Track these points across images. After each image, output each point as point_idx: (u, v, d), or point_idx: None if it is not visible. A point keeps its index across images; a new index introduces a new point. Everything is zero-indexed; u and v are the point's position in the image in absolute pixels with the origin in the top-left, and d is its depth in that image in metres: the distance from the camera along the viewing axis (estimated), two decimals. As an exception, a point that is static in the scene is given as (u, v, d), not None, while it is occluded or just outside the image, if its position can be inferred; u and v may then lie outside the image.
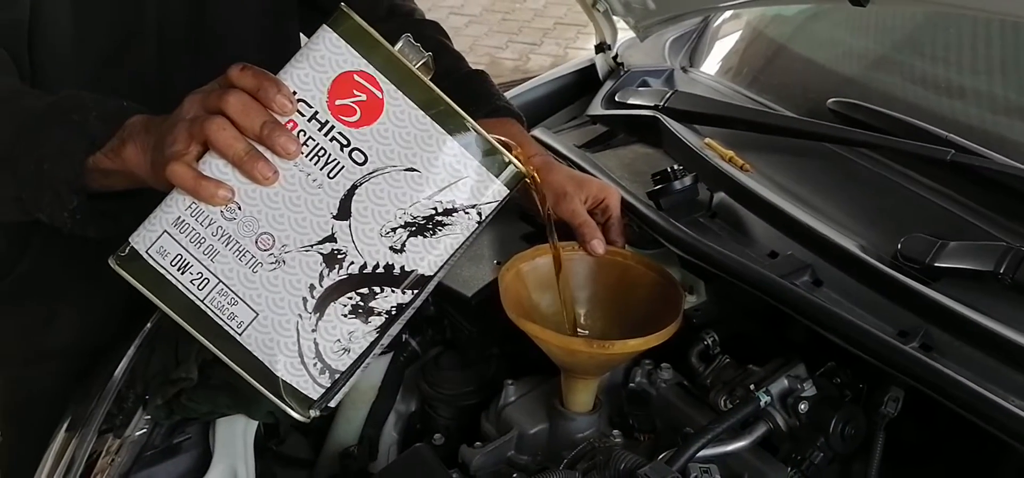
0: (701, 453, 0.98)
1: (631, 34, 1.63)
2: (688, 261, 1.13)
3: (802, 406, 0.98)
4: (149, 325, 1.11)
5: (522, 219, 1.29)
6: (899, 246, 1.00)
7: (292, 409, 0.76)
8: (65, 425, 1.05)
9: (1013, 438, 0.80)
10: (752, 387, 1.01)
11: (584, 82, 1.66)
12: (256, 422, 1.04)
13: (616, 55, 1.61)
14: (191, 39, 1.14)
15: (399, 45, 0.77)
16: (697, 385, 1.11)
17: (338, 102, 0.75)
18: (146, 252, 0.75)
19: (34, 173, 0.83)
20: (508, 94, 1.62)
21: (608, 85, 1.55)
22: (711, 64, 1.59)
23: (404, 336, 1.25)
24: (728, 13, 1.67)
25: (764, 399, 1.00)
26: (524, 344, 1.02)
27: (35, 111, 0.86)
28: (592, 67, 1.66)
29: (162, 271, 0.75)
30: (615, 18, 1.56)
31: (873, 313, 0.97)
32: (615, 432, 1.08)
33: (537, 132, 1.47)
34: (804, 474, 0.97)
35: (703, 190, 1.23)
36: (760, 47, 1.55)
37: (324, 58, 0.75)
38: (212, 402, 1.01)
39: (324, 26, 0.76)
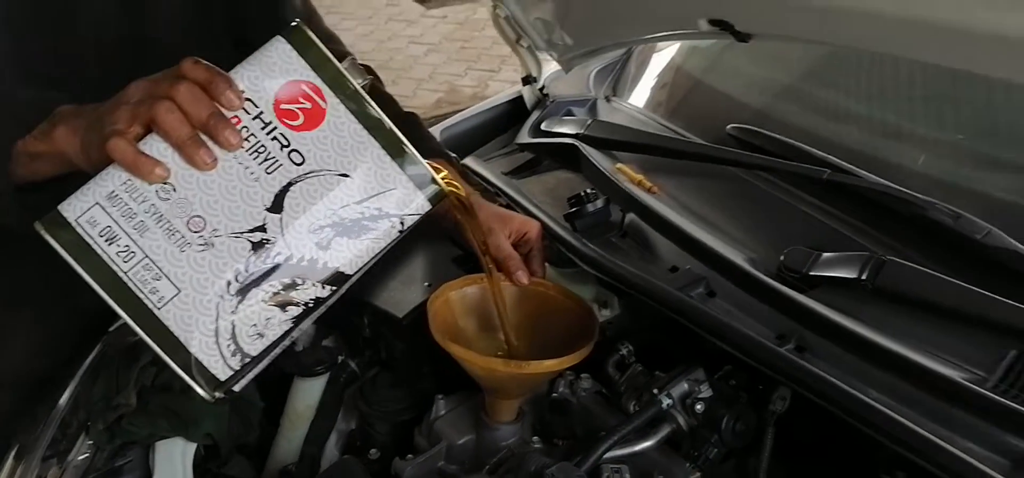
0: (614, 454, 1.07)
1: (558, 66, 1.72)
2: (601, 277, 1.23)
3: (698, 406, 1.07)
4: (94, 353, 1.16)
5: (451, 242, 1.37)
6: (781, 258, 1.10)
7: (199, 386, 0.79)
8: (13, 453, 1.08)
9: (873, 430, 0.89)
10: (656, 391, 1.10)
11: (515, 112, 1.75)
12: (195, 444, 1.10)
13: (543, 86, 1.70)
14: (128, 52, 1.16)
15: (345, 64, 0.84)
16: (614, 393, 1.20)
17: (283, 106, 0.81)
18: (75, 220, 0.77)
19: None
20: (444, 124, 1.72)
21: (535, 115, 1.65)
22: (631, 94, 1.69)
23: (342, 358, 1.32)
24: (645, 46, 1.77)
25: (666, 401, 1.09)
26: (453, 361, 1.09)
27: None
28: (523, 97, 1.75)
29: (88, 240, 0.77)
30: (540, 53, 1.65)
31: (759, 320, 1.06)
32: (535, 439, 1.16)
33: (469, 160, 1.56)
34: (700, 469, 1.05)
35: (616, 212, 1.32)
36: (675, 78, 1.65)
37: (275, 65, 0.81)
38: (151, 425, 1.06)
39: (280, 36, 0.82)
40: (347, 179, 0.82)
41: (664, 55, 1.76)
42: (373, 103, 0.83)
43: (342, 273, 0.83)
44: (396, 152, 0.83)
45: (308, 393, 1.28)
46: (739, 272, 1.09)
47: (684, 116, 1.53)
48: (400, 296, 1.29)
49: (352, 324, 1.34)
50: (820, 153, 1.17)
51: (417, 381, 1.28)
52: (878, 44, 0.99)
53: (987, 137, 1.16)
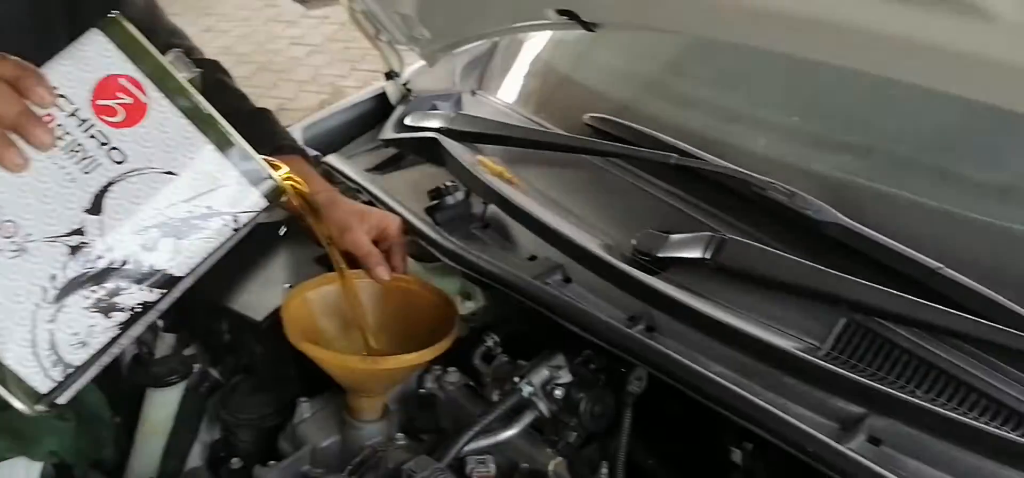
0: (479, 444, 1.07)
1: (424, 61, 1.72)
2: (464, 271, 1.23)
3: (558, 392, 1.08)
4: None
5: (315, 242, 1.35)
6: (633, 242, 1.12)
7: (18, 401, 0.76)
8: None
9: (714, 403, 0.92)
10: (517, 380, 1.11)
11: (382, 108, 1.73)
12: (40, 463, 1.05)
13: (406, 82, 1.69)
14: None
15: (169, 56, 0.80)
16: (480, 384, 1.20)
17: (101, 102, 0.77)
18: None
19: None
20: (307, 121, 1.68)
21: (399, 110, 1.64)
22: (497, 87, 1.70)
23: (199, 366, 1.28)
24: (516, 37, 1.78)
25: (527, 389, 1.10)
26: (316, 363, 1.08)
27: None
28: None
29: None
30: (400, 47, 1.64)
31: (614, 304, 1.09)
32: (399, 436, 1.15)
33: (331, 158, 1.54)
34: (561, 453, 1.07)
35: (478, 204, 1.33)
36: (541, 72, 1.66)
37: (91, 58, 0.77)
38: (-11, 447, 1.02)
39: (94, 28, 0.78)
40: (174, 177, 0.79)
41: (530, 50, 1.78)
42: (200, 96, 0.80)
43: (172, 275, 0.80)
44: (226, 146, 0.80)
45: (163, 404, 1.24)
46: (594, 258, 1.11)
47: (547, 109, 1.55)
48: (259, 299, 1.26)
49: (211, 330, 1.31)
50: (669, 139, 1.21)
51: (281, 385, 1.26)
52: (717, 31, 1.02)
53: (819, 119, 1.22)
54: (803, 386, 0.90)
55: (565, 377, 1.11)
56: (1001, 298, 0.93)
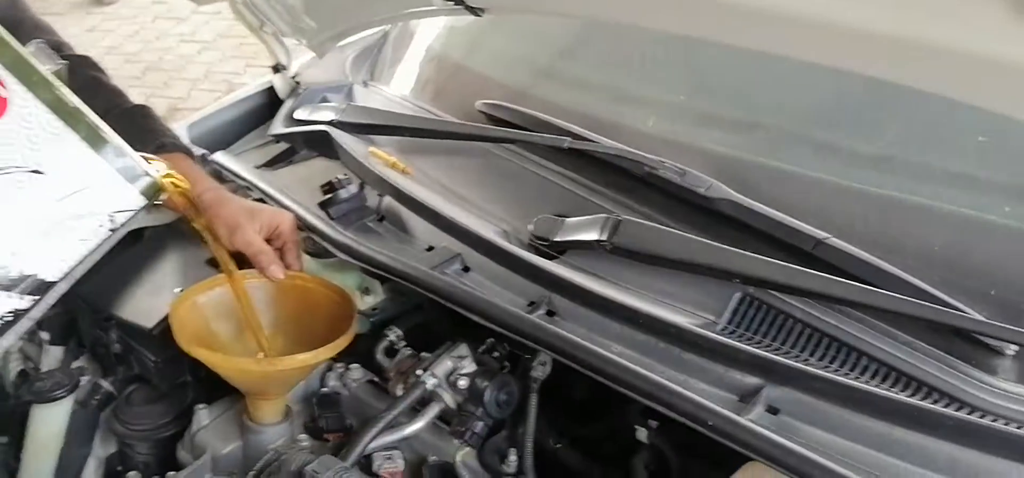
0: (386, 440, 1.06)
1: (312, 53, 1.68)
2: (360, 265, 1.21)
3: (462, 382, 1.08)
4: None
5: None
6: (530, 227, 1.12)
7: None
8: None
9: (616, 383, 0.93)
10: (419, 372, 1.10)
11: (271, 103, 1.69)
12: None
13: (295, 74, 1.65)
14: None
15: (30, 48, 0.75)
16: (384, 379, 1.19)
17: None
18: None
19: None
20: (192, 119, 1.63)
21: (289, 103, 1.60)
22: (389, 78, 1.68)
23: (87, 378, 1.23)
24: (408, 26, 1.76)
25: (430, 381, 1.09)
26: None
27: None
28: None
29: None
30: (287, 39, 1.60)
31: (513, 290, 1.09)
32: (302, 437, 1.13)
33: (219, 156, 1.49)
34: (468, 443, 1.06)
35: (373, 196, 1.31)
36: (433, 61, 1.65)
37: None
38: None
39: None
40: (40, 175, 0.75)
41: (423, 38, 1.76)
42: (67, 90, 0.76)
43: (44, 280, 0.76)
44: (98, 143, 0.77)
45: (50, 420, 1.18)
46: (491, 246, 1.11)
47: (440, 97, 1.53)
48: (149, 305, 1.22)
49: (101, 341, 1.25)
50: (562, 123, 1.21)
51: (176, 394, 1.22)
52: (602, 11, 1.03)
53: (704, 96, 1.24)
54: (702, 361, 0.92)
55: (469, 367, 1.10)
56: (884, 264, 0.96)
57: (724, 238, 1.01)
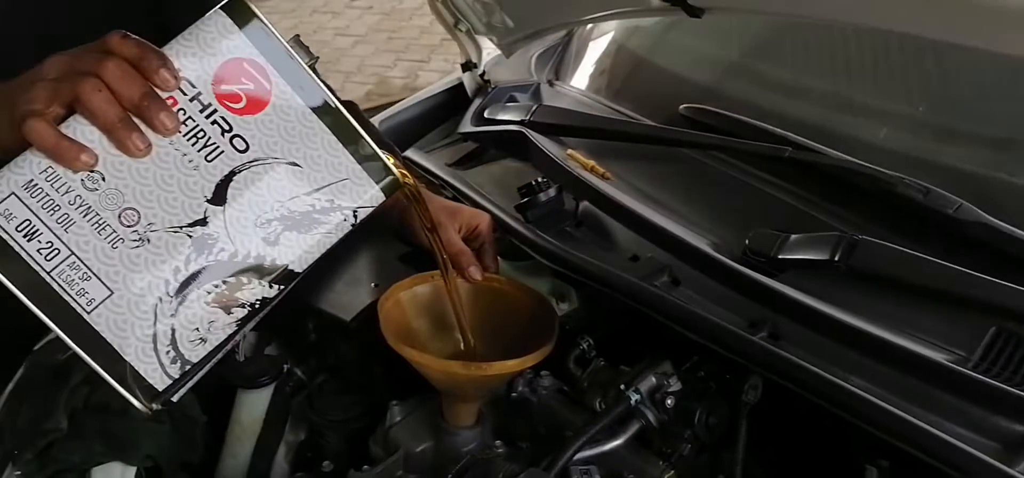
0: (581, 454, 1.03)
1: (498, 51, 1.67)
2: (557, 270, 1.18)
3: (669, 401, 1.03)
4: (18, 375, 1.08)
5: (397, 238, 1.31)
6: (747, 242, 1.06)
7: (135, 398, 0.72)
8: None
9: (854, 417, 0.86)
10: (622, 387, 1.06)
11: (456, 100, 1.69)
12: (134, 467, 1.02)
13: (483, 72, 1.65)
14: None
15: (289, 41, 0.77)
16: (576, 390, 1.15)
17: (224, 87, 0.73)
18: None
19: None
20: (382, 115, 1.64)
21: (477, 102, 1.59)
22: (576, 77, 1.65)
23: (287, 366, 1.25)
24: (591, 26, 1.73)
25: (634, 397, 1.05)
26: (407, 364, 1.04)
27: None
28: (462, 85, 1.69)
29: (4, 236, 0.69)
30: (479, 37, 1.59)
31: (727, 308, 1.03)
32: (498, 443, 1.11)
33: (410, 152, 1.50)
34: (674, 466, 1.01)
35: (569, 200, 1.28)
36: (621, 59, 1.61)
37: (215, 41, 0.73)
38: (85, 450, 0.98)
39: (218, 10, 0.74)
40: (296, 168, 0.75)
41: (606, 36, 1.72)
42: (322, 84, 0.76)
43: (291, 270, 0.77)
44: (349, 139, 0.77)
45: (254, 406, 1.21)
46: (703, 258, 1.06)
47: (631, 97, 1.49)
48: (346, 298, 1.22)
49: (295, 329, 1.27)
50: (779, 131, 1.14)
51: (368, 387, 1.23)
52: (845, 13, 0.95)
53: (946, 108, 1.14)
54: (956, 401, 0.84)
55: (675, 385, 1.05)
56: None
57: (973, 265, 0.92)
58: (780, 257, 1.02)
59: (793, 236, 1.03)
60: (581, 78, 1.66)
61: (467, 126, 1.53)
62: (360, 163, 0.77)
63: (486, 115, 1.52)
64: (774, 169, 1.16)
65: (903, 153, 1.08)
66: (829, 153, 1.07)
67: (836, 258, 0.96)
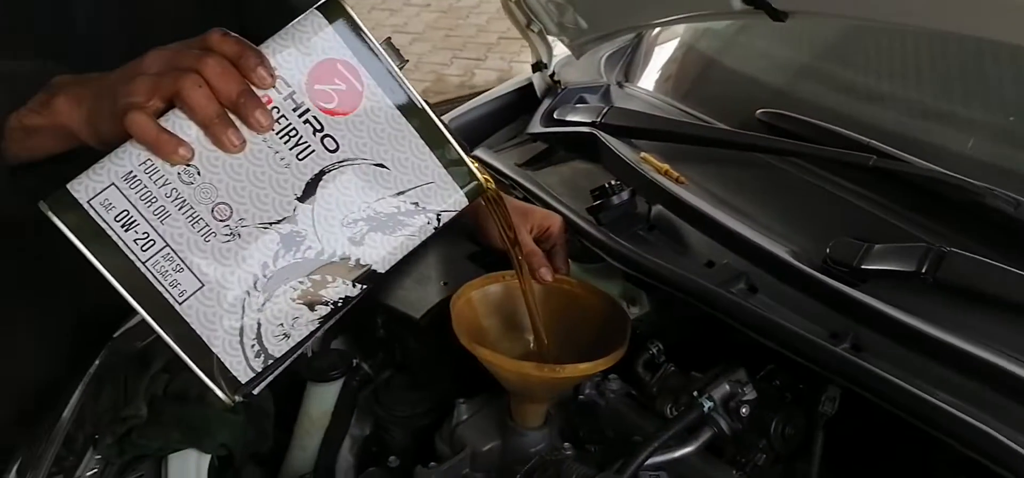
0: (651, 460, 1.01)
1: (568, 52, 1.66)
2: (629, 274, 1.17)
3: (744, 409, 1.01)
4: (99, 360, 1.10)
5: (467, 237, 1.31)
6: (827, 250, 1.04)
7: (219, 390, 0.73)
8: (14, 469, 1.02)
9: (940, 432, 0.84)
10: (695, 394, 1.04)
11: (524, 100, 1.68)
12: (209, 455, 1.04)
13: (553, 73, 1.64)
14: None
15: (382, 43, 0.77)
16: (644, 394, 1.14)
17: (317, 87, 0.75)
18: (87, 202, 0.70)
19: None
20: (450, 115, 1.65)
21: (546, 103, 1.58)
22: (646, 79, 1.63)
23: (355, 361, 1.26)
24: (660, 28, 1.71)
25: (707, 404, 1.03)
26: (475, 363, 1.04)
27: None
28: (531, 85, 1.68)
29: (102, 224, 0.70)
30: (550, 37, 1.59)
31: (806, 317, 1.01)
32: (566, 445, 1.10)
33: (479, 151, 1.50)
34: (748, 476, 1.00)
35: (642, 203, 1.26)
36: (692, 61, 1.59)
37: (311, 41, 0.74)
38: (163, 438, 1.00)
39: (315, 10, 0.75)
40: (384, 170, 0.76)
41: (674, 38, 1.70)
42: (411, 88, 0.77)
43: (374, 271, 0.77)
44: (436, 143, 0.77)
45: (323, 399, 1.22)
46: (782, 266, 1.04)
47: (702, 100, 1.48)
48: (416, 296, 1.23)
49: (363, 325, 1.28)
50: (861, 137, 1.12)
51: (435, 384, 1.23)
52: (938, 22, 0.93)
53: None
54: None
55: (750, 393, 1.04)
56: None
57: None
58: (863, 267, 1.00)
59: (877, 246, 1.01)
60: (650, 80, 1.65)
61: (537, 126, 1.52)
62: (446, 167, 0.78)
63: (556, 116, 1.51)
64: (855, 176, 1.13)
65: (992, 164, 1.05)
66: (916, 163, 1.04)
67: (923, 270, 0.94)
